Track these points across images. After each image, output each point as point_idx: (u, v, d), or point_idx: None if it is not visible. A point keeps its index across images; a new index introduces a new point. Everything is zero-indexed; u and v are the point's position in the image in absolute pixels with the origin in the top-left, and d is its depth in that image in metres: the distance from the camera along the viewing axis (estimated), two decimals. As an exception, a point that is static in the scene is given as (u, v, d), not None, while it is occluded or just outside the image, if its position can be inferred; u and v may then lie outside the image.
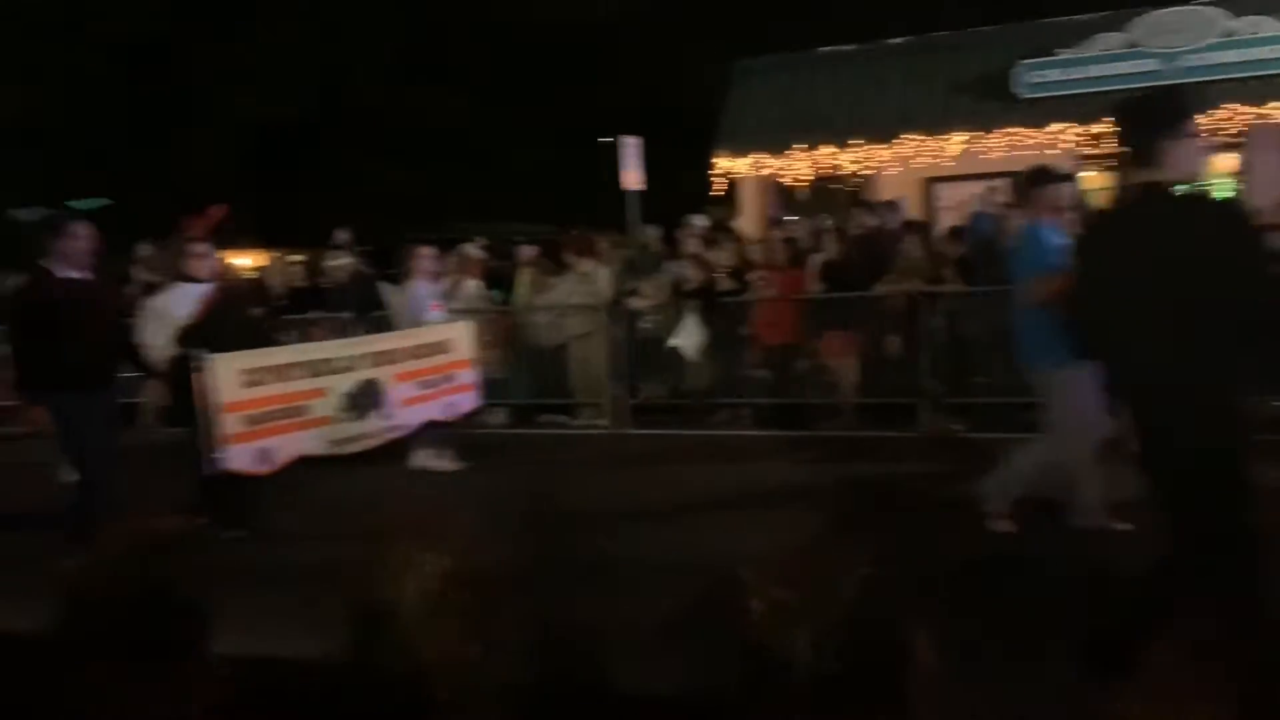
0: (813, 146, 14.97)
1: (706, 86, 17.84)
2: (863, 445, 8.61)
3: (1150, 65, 13.43)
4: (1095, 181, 14.70)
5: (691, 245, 11.02)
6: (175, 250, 6.37)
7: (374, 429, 7.13)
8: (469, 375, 8.16)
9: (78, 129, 22.98)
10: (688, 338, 9.75)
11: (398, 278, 9.41)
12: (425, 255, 8.56)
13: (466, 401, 8.16)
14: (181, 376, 6.08)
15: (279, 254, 15.33)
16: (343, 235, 13.49)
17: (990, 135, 13.95)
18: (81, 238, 5.91)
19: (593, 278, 10.42)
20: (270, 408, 6.34)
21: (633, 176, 12.05)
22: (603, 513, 6.72)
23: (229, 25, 24.38)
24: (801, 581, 2.54)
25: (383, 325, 9.25)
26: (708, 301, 9.93)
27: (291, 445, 6.45)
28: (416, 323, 8.23)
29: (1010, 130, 13.89)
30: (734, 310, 9.97)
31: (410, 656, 2.31)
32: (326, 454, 6.79)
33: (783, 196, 15.75)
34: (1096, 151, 13.70)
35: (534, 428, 10.35)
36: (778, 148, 15.20)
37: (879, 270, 9.65)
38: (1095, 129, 13.53)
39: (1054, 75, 13.90)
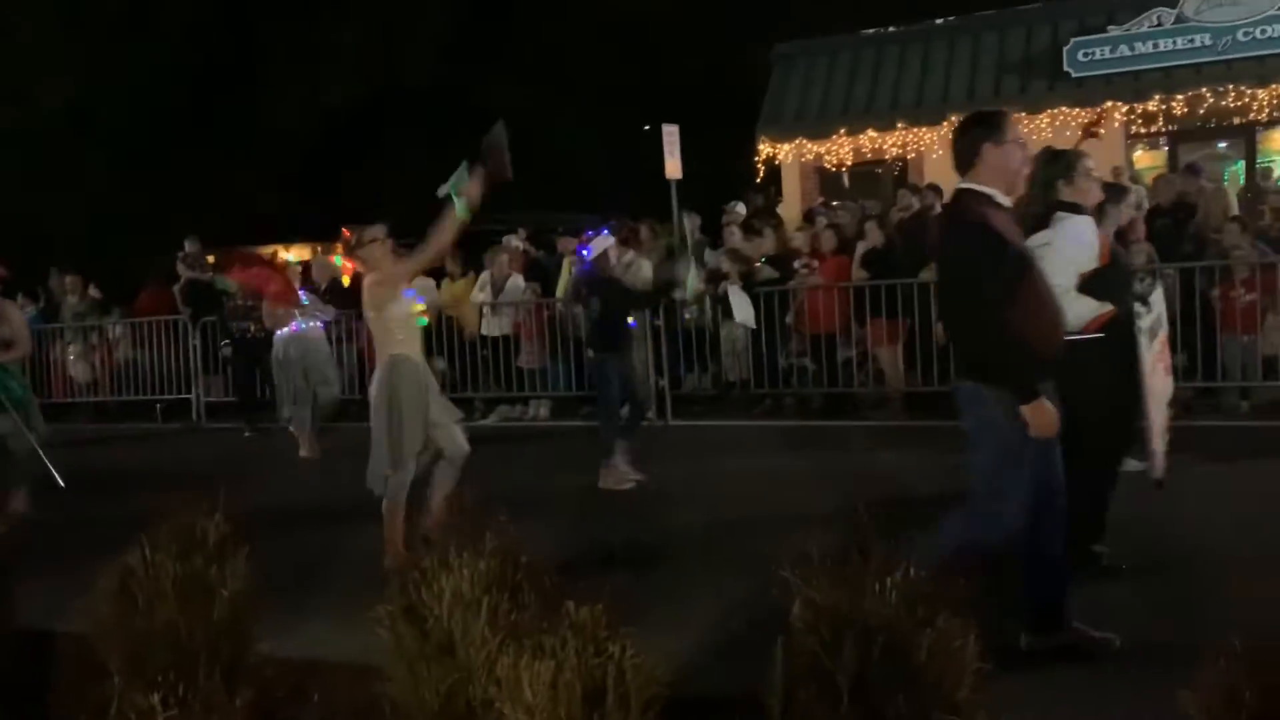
0: (856, 130, 14.74)
1: (750, 70, 17.62)
2: (910, 435, 8.45)
3: (1204, 40, 13.07)
4: (1146, 160, 14.36)
5: (733, 237, 10.89)
6: (1066, 171, 4.51)
7: None
8: None
9: (128, 131, 23.07)
10: (740, 310, 9.60)
11: None
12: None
13: None
14: (1103, 345, 4.41)
15: (320, 248, 15.36)
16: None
17: (1039, 115, 13.64)
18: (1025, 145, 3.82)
19: (635, 268, 10.30)
20: None
21: (673, 165, 11.90)
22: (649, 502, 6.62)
23: (267, 22, 24.44)
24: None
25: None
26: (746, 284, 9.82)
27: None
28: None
29: (1060, 110, 13.59)
30: (777, 299, 9.83)
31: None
32: None
33: (825, 181, 15.53)
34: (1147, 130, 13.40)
35: (576, 419, 10.28)
36: (820, 132, 14.99)
37: (925, 255, 9.45)
38: (1148, 106, 13.25)
39: (1105, 53, 13.54)
